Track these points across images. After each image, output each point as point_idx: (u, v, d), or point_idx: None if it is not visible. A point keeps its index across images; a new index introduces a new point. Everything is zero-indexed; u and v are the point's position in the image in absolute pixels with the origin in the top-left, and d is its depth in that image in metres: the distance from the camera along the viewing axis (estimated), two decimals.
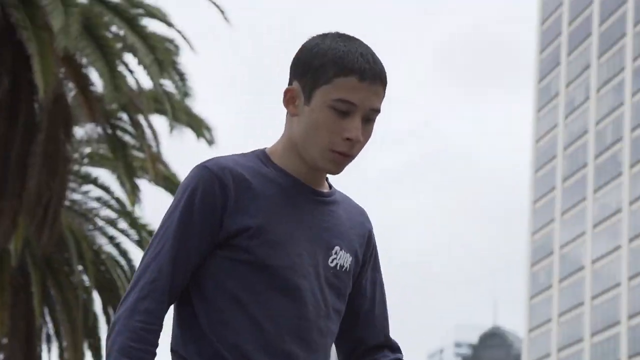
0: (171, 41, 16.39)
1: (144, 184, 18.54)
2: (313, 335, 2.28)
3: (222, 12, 15.45)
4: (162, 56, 14.73)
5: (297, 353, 2.25)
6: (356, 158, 2.30)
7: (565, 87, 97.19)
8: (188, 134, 18.24)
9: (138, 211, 18.83)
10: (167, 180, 18.00)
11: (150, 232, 19.07)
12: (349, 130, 2.24)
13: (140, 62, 14.60)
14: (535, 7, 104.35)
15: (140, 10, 14.99)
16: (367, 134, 2.28)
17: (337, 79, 2.23)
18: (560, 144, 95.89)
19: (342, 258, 2.35)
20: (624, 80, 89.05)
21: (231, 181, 2.24)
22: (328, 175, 2.41)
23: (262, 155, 2.32)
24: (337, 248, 2.34)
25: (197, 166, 2.26)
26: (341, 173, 2.32)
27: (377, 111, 2.26)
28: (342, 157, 2.26)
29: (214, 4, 15.37)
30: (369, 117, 2.27)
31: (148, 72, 14.60)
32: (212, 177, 2.24)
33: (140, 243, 18.87)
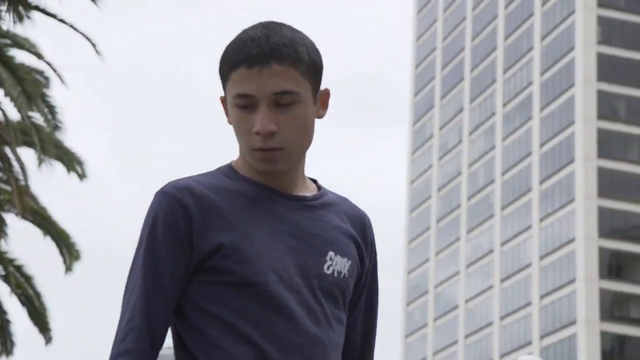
0: (41, 73, 16.30)
1: (10, 218, 18.32)
2: (317, 350, 2.13)
3: (93, 45, 15.45)
4: (30, 88, 14.66)
5: None
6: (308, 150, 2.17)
7: (439, 129, 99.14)
8: (58, 167, 18.13)
9: (4, 245, 18.55)
10: (36, 214, 17.81)
11: (17, 267, 18.80)
12: (255, 123, 2.09)
13: (7, 94, 14.50)
14: (409, 51, 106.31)
15: (7, 41, 14.90)
16: (289, 120, 2.10)
17: (230, 74, 2.11)
18: (434, 185, 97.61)
19: (338, 264, 2.19)
20: (495, 125, 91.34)
21: (191, 201, 2.11)
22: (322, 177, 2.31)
23: (226, 170, 2.19)
24: (331, 254, 2.18)
25: (155, 193, 2.14)
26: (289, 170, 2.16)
27: (287, 92, 2.09)
28: (264, 153, 2.11)
29: (84, 36, 15.36)
30: (280, 102, 2.10)
31: (15, 104, 14.51)
32: (171, 200, 2.11)
33: (6, 278, 18.59)
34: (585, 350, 75.25)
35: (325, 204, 2.23)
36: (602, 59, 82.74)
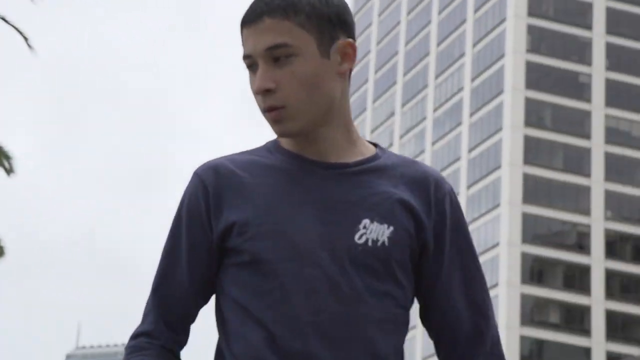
0: None
1: None
2: (340, 328, 1.96)
3: (25, 38, 15.35)
4: None
5: (319, 354, 1.94)
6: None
7: (371, 132, 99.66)
8: None
9: None
10: None
11: None
12: (254, 84, 2.01)
13: None
14: None
15: None
16: (288, 75, 1.99)
17: (242, 37, 2.06)
18: None
19: (374, 232, 2.00)
20: (425, 129, 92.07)
21: (213, 180, 2.04)
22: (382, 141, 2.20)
23: (270, 145, 2.10)
24: (365, 221, 2.00)
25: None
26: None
27: (280, 46, 1.98)
28: (269, 114, 2.01)
29: (16, 29, 15.21)
30: (275, 57, 2.00)
31: None
32: (196, 181, 2.06)
33: None
34: (504, 354, 76.14)
35: (374, 169, 2.06)
36: (530, 66, 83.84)
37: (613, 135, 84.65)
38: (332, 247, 2.00)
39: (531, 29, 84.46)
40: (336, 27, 2.04)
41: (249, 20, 2.02)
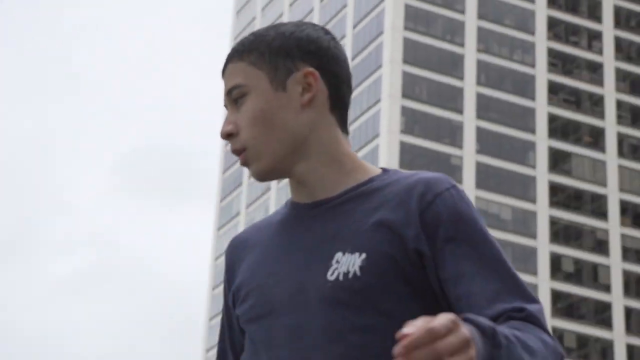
0: None
1: None
2: None
3: None
4: None
5: None
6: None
7: (246, 207, 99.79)
8: None
9: None
10: None
11: None
12: None
13: None
14: (219, 129, 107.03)
15: None
16: (243, 116, 1.97)
17: None
18: None
19: (345, 264, 1.90)
20: None
21: (229, 252, 2.06)
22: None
23: (288, 200, 2.07)
24: (338, 255, 1.92)
25: None
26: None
27: (234, 88, 1.98)
28: (239, 158, 2.01)
29: None
30: (234, 100, 1.99)
31: None
32: (224, 257, 2.13)
33: None
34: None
35: (360, 194, 1.97)
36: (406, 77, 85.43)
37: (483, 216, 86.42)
38: (306, 291, 1.92)
39: (407, 42, 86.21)
40: (295, 58, 2.00)
41: (225, 65, 2.04)
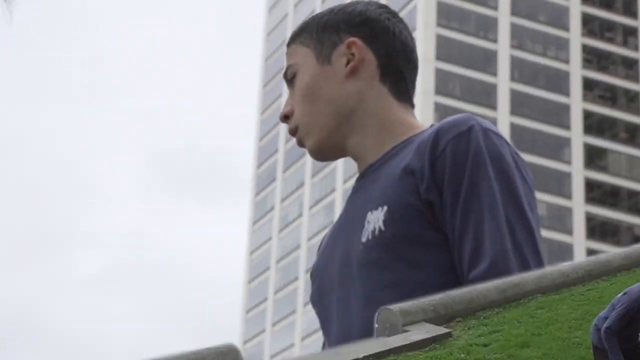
0: None
1: None
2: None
3: None
4: None
5: None
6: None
7: (280, 202, 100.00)
8: None
9: None
10: None
11: None
12: None
13: None
14: (254, 124, 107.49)
15: None
16: (296, 95, 2.02)
17: None
18: (273, 257, 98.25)
19: (372, 222, 1.92)
20: (334, 201, 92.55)
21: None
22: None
23: None
24: (368, 215, 1.93)
25: None
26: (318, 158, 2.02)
27: (288, 69, 2.03)
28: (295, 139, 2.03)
29: None
30: (290, 80, 2.04)
31: None
32: None
33: None
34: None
35: (397, 152, 1.97)
36: None
37: None
38: (350, 261, 1.91)
39: (438, 107, 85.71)
40: (341, 32, 1.98)
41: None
